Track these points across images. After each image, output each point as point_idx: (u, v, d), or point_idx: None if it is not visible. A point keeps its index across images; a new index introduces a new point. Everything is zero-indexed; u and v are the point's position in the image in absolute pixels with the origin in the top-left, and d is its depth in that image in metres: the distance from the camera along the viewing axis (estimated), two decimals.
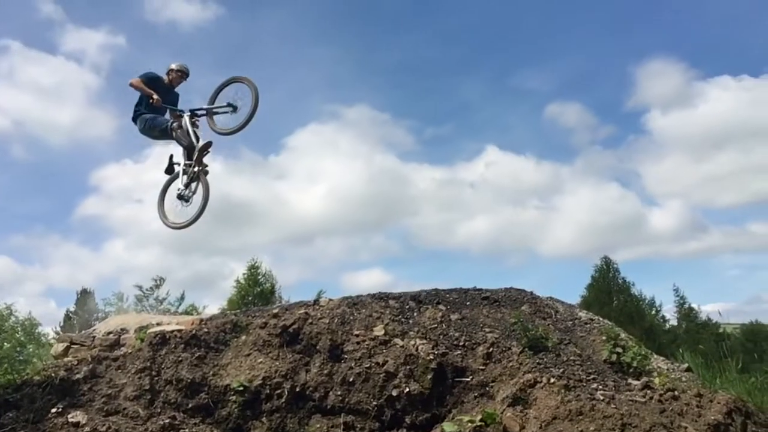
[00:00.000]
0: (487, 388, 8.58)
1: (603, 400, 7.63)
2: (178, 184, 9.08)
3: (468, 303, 10.04)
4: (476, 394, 8.60)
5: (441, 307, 9.87)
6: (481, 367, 8.75)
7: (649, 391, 7.98)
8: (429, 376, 8.59)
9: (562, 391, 7.83)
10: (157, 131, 9.06)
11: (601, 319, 10.29)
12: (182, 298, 32.64)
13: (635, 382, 8.28)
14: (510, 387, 8.33)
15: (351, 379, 8.70)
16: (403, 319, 9.52)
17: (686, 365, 9.20)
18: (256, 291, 38.23)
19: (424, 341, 8.99)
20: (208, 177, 8.82)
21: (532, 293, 10.49)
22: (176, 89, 9.23)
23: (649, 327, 37.45)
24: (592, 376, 8.36)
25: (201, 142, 8.89)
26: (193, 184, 9.02)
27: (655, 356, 9.41)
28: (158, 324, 10.47)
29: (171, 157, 9.29)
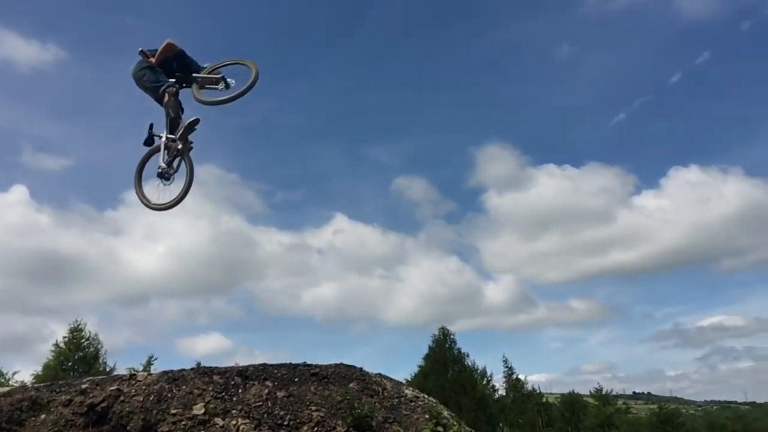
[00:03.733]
0: None
1: None
2: (158, 159, 8.08)
3: (296, 379, 9.80)
4: None
5: (268, 383, 9.54)
6: None
7: None
8: None
9: None
10: (148, 83, 8.04)
11: (426, 396, 10.49)
12: None
13: None
14: None
15: None
16: (226, 397, 9.06)
17: None
18: (77, 356, 34.90)
19: (247, 420, 8.60)
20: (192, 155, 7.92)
21: (361, 369, 10.48)
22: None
23: (480, 397, 38.85)
24: None
25: (189, 118, 7.98)
26: (176, 162, 8.07)
27: None
28: None
29: (151, 126, 8.25)
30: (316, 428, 8.67)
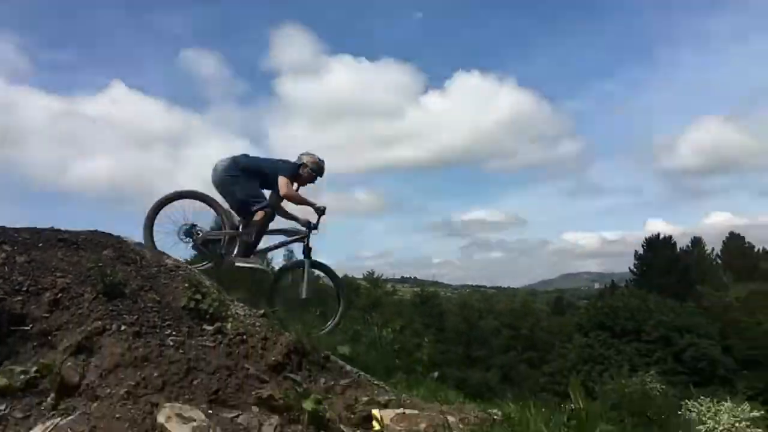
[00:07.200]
0: (50, 338, 7.78)
1: (172, 346, 7.58)
2: (215, 236, 7.99)
3: (41, 245, 8.95)
4: (35, 344, 7.70)
5: (6, 247, 8.58)
6: (45, 315, 7.88)
7: (220, 336, 8.24)
8: None
9: (131, 338, 7.55)
10: (241, 192, 7.80)
11: (189, 266, 10.29)
12: None
13: (209, 328, 8.49)
14: (75, 335, 7.69)
15: None
16: None
17: (262, 311, 9.83)
18: None
19: None
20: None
21: (119, 237, 9.85)
22: None
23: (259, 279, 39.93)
24: (167, 323, 8.27)
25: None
26: (206, 261, 8.11)
27: (236, 303, 9.81)
28: None
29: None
30: (60, 294, 8.05)
